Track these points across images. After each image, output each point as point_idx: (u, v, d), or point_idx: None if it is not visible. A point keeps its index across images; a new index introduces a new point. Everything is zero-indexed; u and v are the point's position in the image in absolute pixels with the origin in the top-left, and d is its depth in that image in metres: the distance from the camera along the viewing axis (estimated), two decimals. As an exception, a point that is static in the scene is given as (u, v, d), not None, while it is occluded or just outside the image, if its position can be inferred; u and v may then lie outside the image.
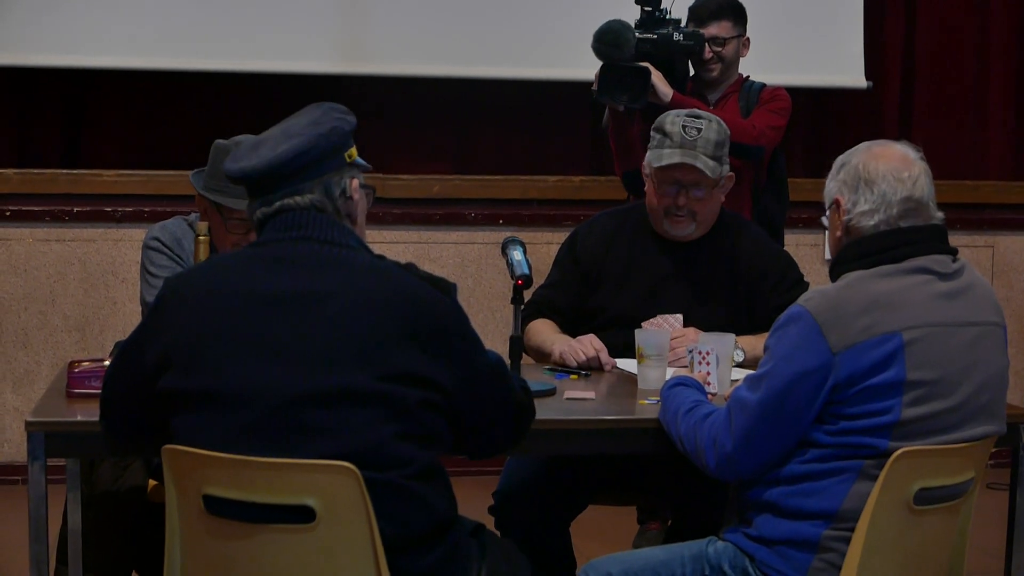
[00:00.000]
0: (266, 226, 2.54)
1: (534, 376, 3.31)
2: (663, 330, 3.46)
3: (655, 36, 4.50)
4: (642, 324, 3.50)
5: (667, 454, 2.90)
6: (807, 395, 2.64)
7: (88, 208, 5.57)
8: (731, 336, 3.23)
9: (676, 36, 4.52)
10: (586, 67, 4.54)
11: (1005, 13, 6.26)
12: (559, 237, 4.18)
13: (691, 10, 4.72)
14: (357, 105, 2.70)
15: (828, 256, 3.94)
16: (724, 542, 2.81)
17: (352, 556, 2.41)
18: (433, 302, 2.49)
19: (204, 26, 5.54)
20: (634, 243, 3.73)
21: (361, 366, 2.41)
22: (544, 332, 3.65)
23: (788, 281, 3.67)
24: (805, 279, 3.74)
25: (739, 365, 3.39)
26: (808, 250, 5.92)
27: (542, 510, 3.46)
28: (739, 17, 4.71)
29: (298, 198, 2.51)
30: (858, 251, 2.74)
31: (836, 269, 2.78)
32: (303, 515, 2.39)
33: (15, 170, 5.58)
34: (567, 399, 3.13)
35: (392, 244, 5.62)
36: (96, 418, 2.69)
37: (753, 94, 4.68)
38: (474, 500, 3.36)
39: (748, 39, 4.75)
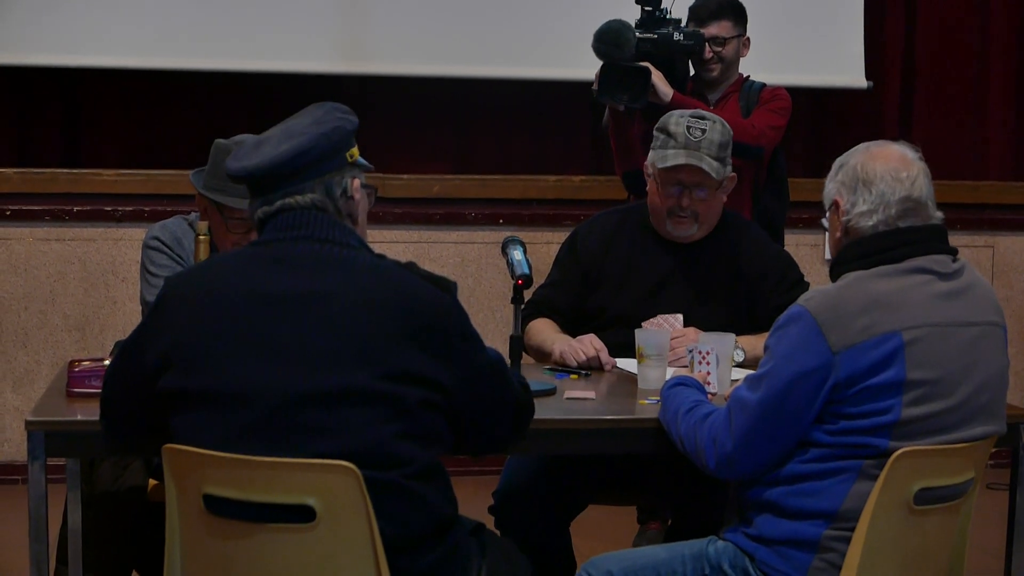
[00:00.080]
0: (267, 225, 2.54)
1: (534, 376, 3.31)
2: (663, 330, 3.46)
3: (655, 36, 4.50)
4: (642, 324, 3.50)
5: (667, 454, 2.90)
6: (807, 395, 2.64)
7: (88, 207, 5.57)
8: (731, 336, 3.23)
9: (676, 36, 4.53)
10: (586, 67, 4.54)
11: (1005, 13, 6.26)
12: (559, 237, 4.18)
13: (691, 10, 4.72)
14: (357, 105, 2.71)
15: (828, 256, 3.94)
16: (724, 542, 2.81)
17: (352, 556, 2.41)
18: (434, 301, 2.49)
19: (204, 26, 5.54)
20: (634, 243, 3.73)
21: (361, 366, 2.41)
22: (544, 332, 3.65)
23: (788, 281, 3.67)
24: (805, 279, 3.74)
25: (739, 365, 3.39)
26: (808, 250, 5.92)
27: (542, 510, 3.46)
28: (739, 17, 4.71)
29: (299, 197, 2.51)
30: (858, 251, 2.74)
31: (836, 269, 2.78)
32: (303, 515, 2.39)
33: (15, 169, 5.58)
34: (567, 399, 3.13)
35: (392, 244, 5.62)
36: (96, 417, 2.69)
37: (753, 94, 4.68)
38: (474, 500, 3.36)
39: (748, 39, 4.76)
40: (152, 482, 3.43)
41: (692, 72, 4.70)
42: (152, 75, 5.61)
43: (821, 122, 6.19)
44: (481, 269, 5.83)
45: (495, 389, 2.62)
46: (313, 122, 2.54)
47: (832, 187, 2.82)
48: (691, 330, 3.51)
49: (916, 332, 2.65)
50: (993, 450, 2.84)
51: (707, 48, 4.62)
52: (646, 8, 4.53)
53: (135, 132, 5.75)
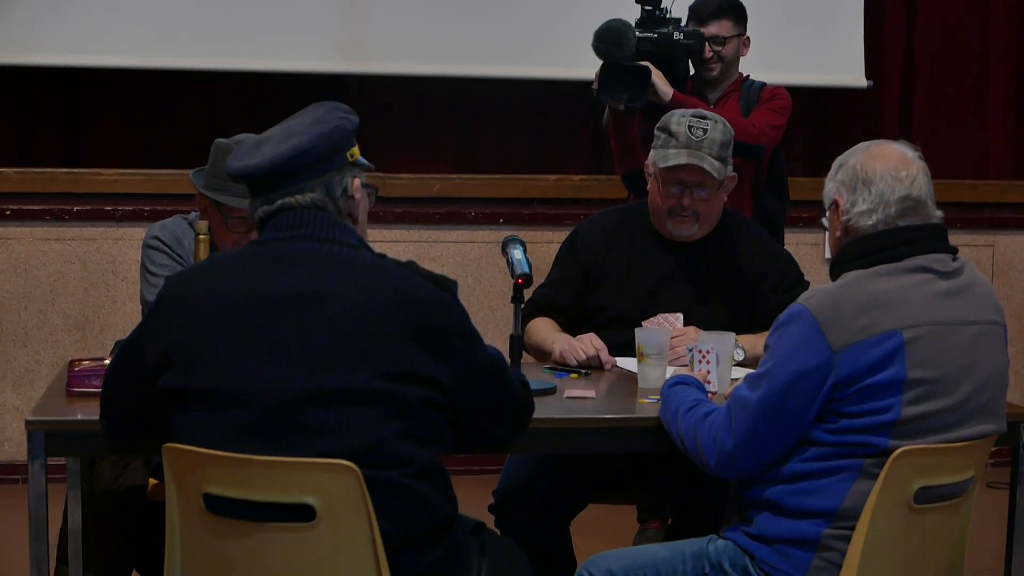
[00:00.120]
0: (267, 225, 2.54)
1: (534, 375, 3.31)
2: (663, 329, 3.46)
3: (655, 35, 4.50)
4: (642, 323, 3.50)
5: (667, 453, 2.90)
6: (807, 394, 2.65)
7: (88, 207, 5.57)
8: (731, 335, 3.23)
9: (676, 35, 4.53)
10: (586, 66, 4.54)
11: (1005, 13, 6.26)
12: (559, 236, 4.18)
13: (691, 9, 4.72)
14: (357, 104, 2.70)
15: (828, 255, 3.94)
16: (725, 540, 2.81)
17: (352, 555, 2.41)
18: (434, 300, 2.49)
19: (204, 25, 5.54)
20: (635, 242, 3.73)
21: (362, 365, 2.41)
22: (544, 331, 3.65)
23: (788, 280, 3.67)
24: (805, 278, 3.74)
25: (739, 364, 3.39)
26: (808, 249, 5.92)
27: (542, 509, 3.46)
28: (739, 16, 4.71)
29: (299, 197, 2.51)
30: (858, 250, 2.74)
31: (836, 268, 2.78)
32: (303, 514, 2.39)
33: (15, 169, 5.58)
34: (567, 398, 3.13)
35: (392, 243, 5.62)
36: (96, 417, 2.70)
37: (753, 93, 4.68)
38: (474, 499, 3.36)
39: (748, 38, 4.76)
40: (152, 481, 3.43)
41: (692, 71, 4.70)
42: (152, 75, 5.61)
43: (821, 121, 6.19)
44: (481, 268, 5.83)
45: (495, 388, 2.62)
46: (314, 121, 2.55)
47: (832, 186, 2.82)
48: (691, 329, 3.51)
49: (916, 331, 2.65)
50: (993, 449, 2.84)
51: (707, 47, 4.62)
52: (646, 7, 4.53)
53: (135, 132, 5.75)
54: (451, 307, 2.52)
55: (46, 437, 2.76)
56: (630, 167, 4.60)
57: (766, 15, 5.16)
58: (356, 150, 2.59)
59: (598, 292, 3.71)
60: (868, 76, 6.00)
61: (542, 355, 3.62)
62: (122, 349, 2.62)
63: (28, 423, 2.77)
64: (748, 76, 4.75)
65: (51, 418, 2.82)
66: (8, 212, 5.52)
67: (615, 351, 3.49)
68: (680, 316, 3.58)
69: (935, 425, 2.67)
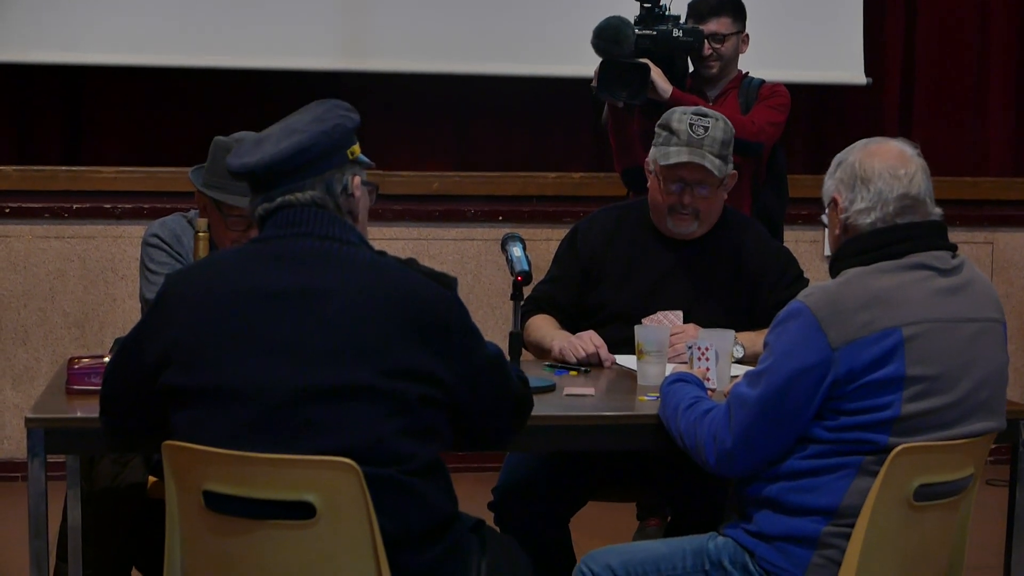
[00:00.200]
0: (267, 222, 2.54)
1: (534, 372, 3.31)
2: (663, 326, 3.46)
3: (654, 32, 4.50)
4: (642, 320, 3.50)
5: (667, 450, 2.90)
6: (807, 391, 2.64)
7: (88, 205, 5.57)
8: (730, 332, 3.23)
9: (675, 32, 4.53)
10: (586, 63, 4.54)
11: (1005, 12, 6.26)
12: (559, 233, 4.18)
13: (690, 6, 4.72)
14: (357, 102, 2.70)
15: (828, 253, 3.95)
16: (724, 537, 2.81)
17: (352, 552, 2.41)
18: (434, 298, 2.49)
19: (204, 23, 5.54)
20: (635, 240, 3.73)
21: (362, 362, 2.41)
22: (544, 328, 3.65)
23: (788, 277, 3.67)
24: (805, 275, 3.74)
25: (739, 361, 3.39)
26: (808, 246, 5.92)
27: (542, 506, 3.46)
28: (738, 13, 4.71)
29: (299, 195, 2.51)
30: (857, 247, 2.74)
31: (836, 266, 2.78)
32: (303, 511, 2.39)
33: (15, 167, 5.58)
34: (567, 395, 3.13)
35: (392, 240, 5.62)
36: (96, 414, 2.69)
37: (752, 90, 4.68)
38: (474, 496, 3.36)
39: (747, 35, 4.75)
40: (152, 479, 3.43)
41: (691, 69, 4.70)
42: (152, 72, 5.60)
43: (821, 118, 6.19)
44: (481, 266, 5.83)
45: (495, 384, 2.62)
46: (314, 119, 2.54)
47: (831, 184, 2.82)
48: (691, 326, 3.51)
49: (916, 328, 2.65)
50: (993, 446, 2.84)
51: (706, 45, 4.62)
52: (645, 5, 4.53)
53: (135, 129, 5.75)
54: (451, 304, 2.52)
55: (46, 435, 2.76)
56: (629, 164, 4.60)
57: (765, 12, 5.16)
58: (357, 148, 2.59)
59: (598, 289, 3.71)
60: (868, 73, 5.99)
61: (542, 352, 3.62)
62: (122, 347, 2.62)
63: (28, 421, 2.77)
64: (747, 73, 4.75)
65: (51, 416, 2.82)
66: (8, 210, 5.52)
67: (614, 348, 3.49)
68: (680, 313, 3.58)
69: (935, 422, 2.67)
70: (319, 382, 2.40)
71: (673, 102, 4.22)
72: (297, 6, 5.60)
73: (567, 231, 3.86)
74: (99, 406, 2.68)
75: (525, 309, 3.61)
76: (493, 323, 5.70)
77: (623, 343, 3.44)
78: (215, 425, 2.43)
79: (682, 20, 4.61)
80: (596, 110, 4.88)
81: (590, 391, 3.18)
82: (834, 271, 2.78)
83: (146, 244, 3.63)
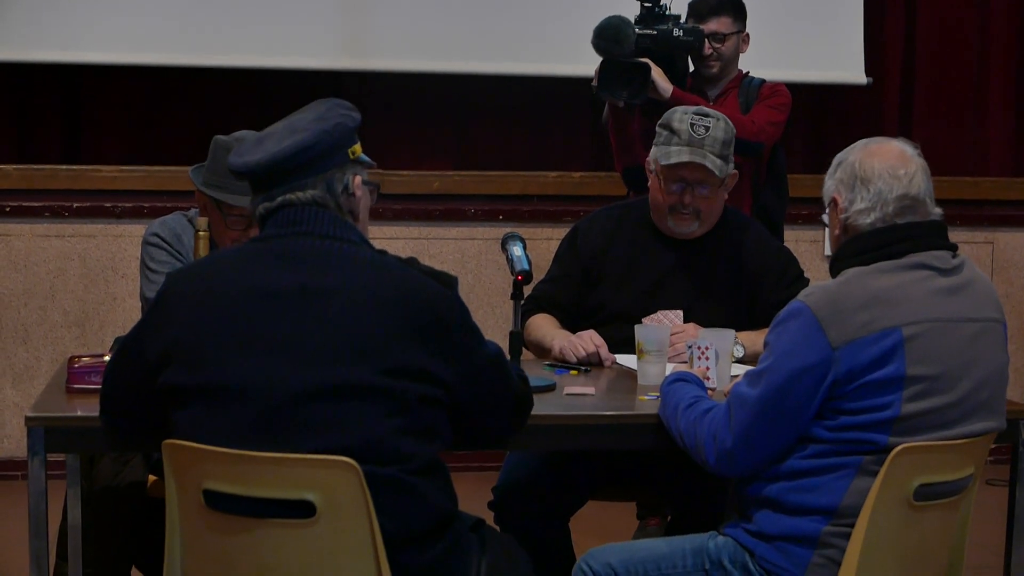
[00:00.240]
0: (268, 221, 2.54)
1: (534, 372, 3.31)
2: (663, 326, 3.46)
3: (655, 32, 4.50)
4: (642, 320, 3.50)
5: (667, 450, 2.90)
6: (807, 390, 2.64)
7: (88, 204, 5.57)
8: (731, 332, 3.23)
9: (676, 32, 4.53)
10: (586, 63, 4.54)
11: (1005, 12, 6.26)
12: (559, 233, 4.18)
13: (691, 6, 4.72)
14: (357, 101, 2.71)
15: (828, 252, 3.94)
16: (725, 537, 2.81)
17: (352, 551, 2.41)
18: (435, 297, 2.49)
19: (204, 22, 5.54)
20: (635, 239, 3.73)
21: (362, 361, 2.41)
22: (544, 327, 3.65)
23: (788, 277, 3.67)
24: (805, 275, 3.74)
25: (739, 361, 3.39)
26: (808, 246, 5.92)
27: (542, 505, 3.46)
28: (739, 13, 4.71)
29: (300, 194, 2.51)
30: (858, 247, 2.74)
31: (836, 265, 2.78)
32: (303, 510, 2.39)
33: (15, 166, 5.58)
34: (567, 395, 3.13)
35: (392, 240, 5.62)
36: (96, 413, 2.70)
37: (753, 90, 4.67)
38: (474, 495, 3.36)
39: (748, 35, 4.75)
40: (152, 478, 3.43)
41: (691, 68, 4.70)
42: (152, 71, 5.60)
43: (821, 118, 6.18)
44: (481, 265, 5.83)
45: (495, 383, 2.63)
46: (316, 118, 2.55)
47: (831, 184, 2.82)
48: (691, 326, 3.51)
49: (916, 328, 2.65)
50: (993, 446, 2.84)
51: (706, 44, 4.62)
52: (646, 4, 4.53)
53: (135, 128, 5.75)
54: (452, 303, 2.52)
55: (46, 433, 2.76)
56: (630, 164, 4.60)
57: (766, 11, 5.16)
58: (358, 147, 2.59)
59: (598, 289, 3.71)
60: (868, 73, 5.99)
61: (542, 351, 3.62)
62: (122, 345, 2.62)
63: (28, 419, 2.77)
64: (748, 73, 4.75)
65: (51, 414, 2.82)
66: (8, 209, 5.52)
67: (615, 348, 3.49)
68: (680, 313, 3.58)
69: (935, 422, 2.67)
70: (319, 381, 2.40)
71: (674, 101, 4.22)
72: (297, 5, 5.60)
73: (567, 230, 3.86)
74: (99, 405, 2.68)
75: (525, 308, 3.61)
76: (493, 322, 5.70)
77: (623, 342, 3.44)
78: (215, 424, 2.43)
79: (682, 19, 4.61)
80: (596, 109, 4.88)
81: (590, 390, 3.18)
82: (834, 271, 2.78)
83: (146, 243, 3.63)
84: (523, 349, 3.29)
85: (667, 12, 4.55)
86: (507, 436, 2.77)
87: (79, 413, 2.84)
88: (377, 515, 2.40)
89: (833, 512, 2.68)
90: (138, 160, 5.67)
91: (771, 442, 2.70)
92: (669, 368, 3.22)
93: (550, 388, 3.16)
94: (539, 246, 5.35)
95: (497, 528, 2.95)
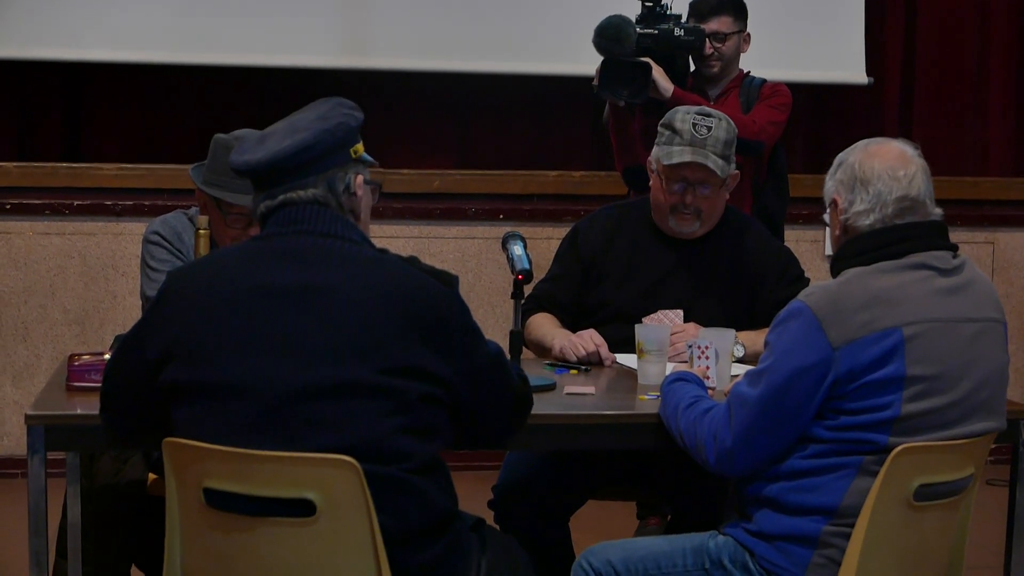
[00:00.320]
0: (269, 220, 2.54)
1: (534, 371, 3.31)
2: (663, 325, 3.46)
3: (656, 32, 4.50)
4: (642, 319, 3.50)
5: (667, 449, 2.90)
6: (807, 390, 2.64)
7: (88, 202, 5.57)
8: (731, 331, 3.23)
9: (677, 32, 4.53)
10: (587, 62, 4.54)
11: (1005, 12, 6.26)
12: (559, 232, 4.18)
13: (692, 5, 4.72)
14: (357, 100, 2.70)
15: (829, 252, 3.95)
16: (725, 536, 2.81)
17: (352, 550, 2.41)
18: (435, 295, 2.49)
19: (205, 20, 5.54)
20: (635, 239, 3.73)
21: (363, 360, 2.41)
22: (544, 326, 3.65)
23: (789, 277, 3.67)
24: (806, 275, 3.74)
25: (739, 360, 3.39)
26: (808, 246, 5.92)
27: (542, 505, 3.46)
28: (740, 13, 4.71)
29: (301, 192, 2.52)
30: (858, 247, 2.74)
31: (836, 265, 2.78)
32: (303, 508, 2.39)
33: (15, 163, 5.58)
34: (567, 394, 3.13)
35: (392, 239, 5.62)
36: (96, 411, 2.70)
37: (754, 90, 4.67)
38: (474, 494, 3.36)
39: (749, 35, 4.75)
40: (152, 476, 3.43)
41: (692, 68, 4.70)
42: (152, 69, 5.61)
43: (822, 118, 6.18)
44: (481, 264, 5.83)
45: (495, 383, 2.63)
46: (318, 117, 2.55)
47: (831, 185, 2.82)
48: (691, 326, 3.51)
49: (916, 328, 2.65)
50: (993, 446, 2.84)
51: (707, 44, 4.62)
52: (647, 3, 4.53)
53: (135, 126, 5.75)
54: (452, 302, 2.52)
55: (46, 432, 2.76)
56: (630, 163, 4.60)
57: (766, 11, 5.16)
58: (360, 146, 2.60)
59: (598, 288, 3.71)
60: (869, 73, 5.99)
61: (542, 351, 3.62)
62: (123, 343, 2.62)
63: (28, 417, 2.77)
64: (748, 72, 4.75)
65: (51, 413, 2.82)
66: (8, 206, 5.52)
67: (615, 347, 3.49)
68: (680, 312, 3.58)
69: (935, 422, 2.67)
70: (320, 379, 2.40)
71: (674, 101, 4.22)
72: (297, 4, 5.60)
73: (568, 230, 3.86)
74: (99, 403, 2.68)
75: (526, 307, 3.61)
76: (494, 321, 5.70)
77: (623, 342, 3.43)
78: (216, 422, 2.43)
79: (683, 19, 4.61)
80: (597, 109, 4.88)
81: (590, 390, 3.18)
82: (835, 271, 2.78)
83: (147, 241, 3.63)
84: (523, 348, 3.29)
85: (668, 11, 4.55)
86: (507, 435, 2.77)
87: (79, 411, 2.84)
88: (377, 514, 2.40)
89: (833, 512, 2.68)
90: (138, 158, 5.67)
91: (771, 442, 2.70)
92: (669, 368, 3.21)
93: (550, 387, 3.15)
94: (539, 245, 5.35)
95: (497, 527, 2.95)
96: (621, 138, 4.63)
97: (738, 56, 4.73)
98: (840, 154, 2.84)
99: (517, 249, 3.29)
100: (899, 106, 6.22)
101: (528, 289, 3.39)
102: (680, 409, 2.84)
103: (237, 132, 3.50)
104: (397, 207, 5.70)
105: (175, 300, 2.51)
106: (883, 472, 2.61)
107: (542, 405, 2.89)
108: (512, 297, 3.20)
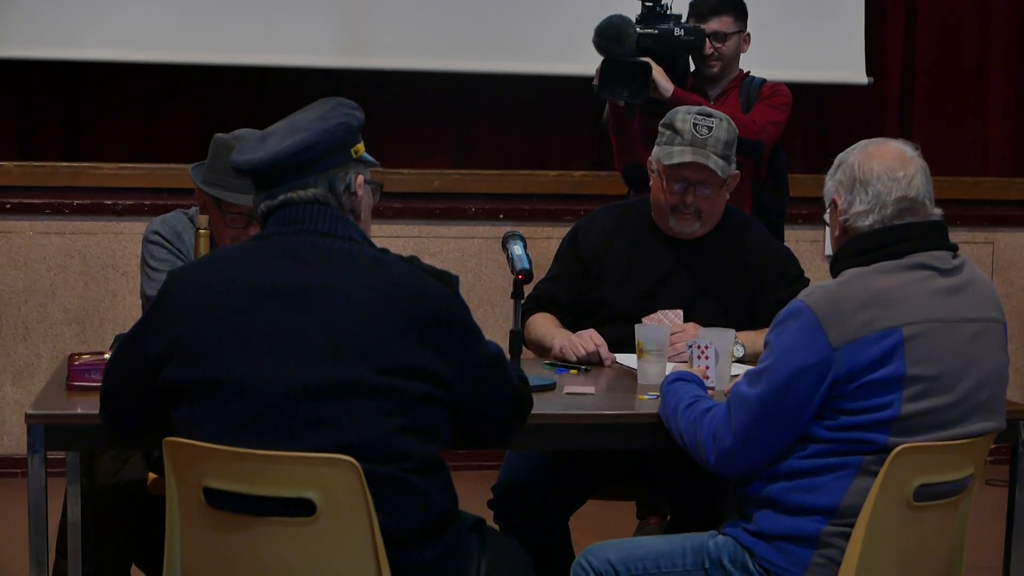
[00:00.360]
0: (269, 219, 2.54)
1: (534, 371, 3.31)
2: (663, 325, 3.46)
3: (656, 31, 4.50)
4: (642, 319, 3.50)
5: (667, 449, 2.90)
6: (807, 390, 2.64)
7: (88, 201, 5.57)
8: (731, 331, 3.23)
9: (677, 32, 4.53)
10: (587, 62, 4.54)
11: (1005, 12, 6.26)
12: (559, 232, 4.19)
13: (692, 5, 4.72)
14: (358, 100, 2.70)
15: (829, 252, 3.95)
16: (725, 536, 2.81)
17: (352, 550, 2.41)
18: (435, 295, 2.49)
19: (205, 20, 5.54)
20: (635, 238, 3.73)
21: (363, 359, 2.41)
22: (544, 326, 3.65)
23: (788, 277, 3.67)
24: (805, 275, 3.74)
25: (739, 360, 3.39)
26: (808, 246, 5.92)
27: (541, 504, 3.46)
28: (740, 12, 4.71)
29: (301, 192, 2.52)
30: (858, 247, 2.74)
31: (836, 266, 2.78)
32: (303, 508, 2.40)
33: (15, 163, 5.58)
34: (567, 394, 3.12)
35: (392, 238, 5.62)
36: (96, 411, 2.70)
37: (754, 89, 4.68)
38: (474, 494, 3.36)
39: (749, 35, 4.75)
40: (152, 475, 3.43)
41: (692, 68, 4.70)
42: (152, 69, 5.61)
43: (822, 118, 6.19)
44: (481, 264, 5.83)
45: (495, 383, 2.63)
46: (319, 117, 2.55)
47: (831, 185, 2.82)
48: (691, 325, 3.51)
49: (916, 328, 2.65)
50: (992, 446, 2.84)
51: (707, 44, 4.62)
52: (647, 3, 4.53)
53: (136, 126, 5.75)
54: (452, 302, 2.52)
55: (46, 431, 2.76)
56: (630, 163, 4.60)
57: (767, 11, 5.16)
58: (361, 146, 2.60)
59: (598, 288, 3.71)
60: (868, 73, 6.00)
61: (542, 351, 3.62)
62: (123, 343, 2.62)
63: (28, 417, 2.77)
64: (748, 72, 4.75)
65: (51, 412, 2.82)
66: (8, 206, 5.53)
67: (615, 347, 3.49)
68: (680, 312, 3.58)
69: (935, 422, 2.67)
70: (320, 379, 2.40)
71: (675, 101, 4.22)
72: (298, 4, 5.60)
73: (568, 229, 3.86)
74: (99, 402, 2.68)
75: (526, 307, 3.61)
76: (493, 321, 5.70)
77: (623, 342, 3.44)
78: (216, 422, 2.43)
79: (684, 19, 4.61)
80: (597, 109, 4.88)
81: (590, 390, 3.18)
82: (835, 271, 2.78)
83: (147, 241, 3.63)
84: (523, 348, 3.29)
85: (668, 11, 4.55)
86: (507, 435, 2.77)
87: (79, 411, 2.84)
88: (377, 514, 2.40)
89: (833, 512, 2.68)
90: (139, 157, 5.67)
91: (771, 442, 2.70)
92: (669, 368, 3.22)
93: (550, 387, 3.15)
94: (539, 245, 5.35)
95: (497, 527, 2.95)
96: (621, 138, 4.63)
97: (738, 56, 4.74)
98: (840, 154, 2.84)
99: (517, 249, 3.29)
100: (899, 106, 6.22)
101: (528, 289, 3.39)
102: (680, 409, 2.84)
103: (237, 132, 3.50)
104: (397, 207, 5.70)
105: (175, 300, 2.51)
106: (883, 472, 2.61)
107: (542, 405, 2.89)
108: (512, 297, 3.20)
